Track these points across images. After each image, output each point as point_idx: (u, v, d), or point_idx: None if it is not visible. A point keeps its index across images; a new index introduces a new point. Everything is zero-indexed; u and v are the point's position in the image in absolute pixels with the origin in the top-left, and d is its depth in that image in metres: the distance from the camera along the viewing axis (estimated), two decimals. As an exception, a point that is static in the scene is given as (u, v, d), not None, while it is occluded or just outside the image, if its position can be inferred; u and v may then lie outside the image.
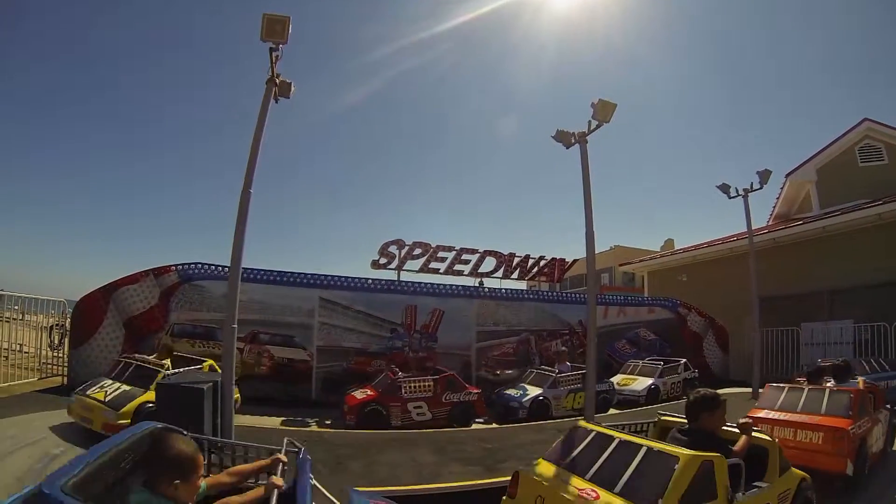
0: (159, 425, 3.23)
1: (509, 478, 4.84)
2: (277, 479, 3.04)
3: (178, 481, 2.40)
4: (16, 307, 13.58)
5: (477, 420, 12.20)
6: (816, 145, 28.41)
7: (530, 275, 19.09)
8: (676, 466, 3.83)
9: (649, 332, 19.33)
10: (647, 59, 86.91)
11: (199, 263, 14.16)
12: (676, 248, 31.12)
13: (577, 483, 4.24)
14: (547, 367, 14.52)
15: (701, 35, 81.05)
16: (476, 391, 12.49)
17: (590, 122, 9.89)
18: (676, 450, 4.04)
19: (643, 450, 4.21)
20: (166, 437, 2.59)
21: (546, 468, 4.68)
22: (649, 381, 15.10)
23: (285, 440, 3.79)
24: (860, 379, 8.67)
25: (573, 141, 10.30)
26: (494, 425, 11.95)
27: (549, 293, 20.13)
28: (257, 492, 2.91)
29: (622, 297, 20.81)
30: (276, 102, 8.67)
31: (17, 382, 11.88)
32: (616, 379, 15.57)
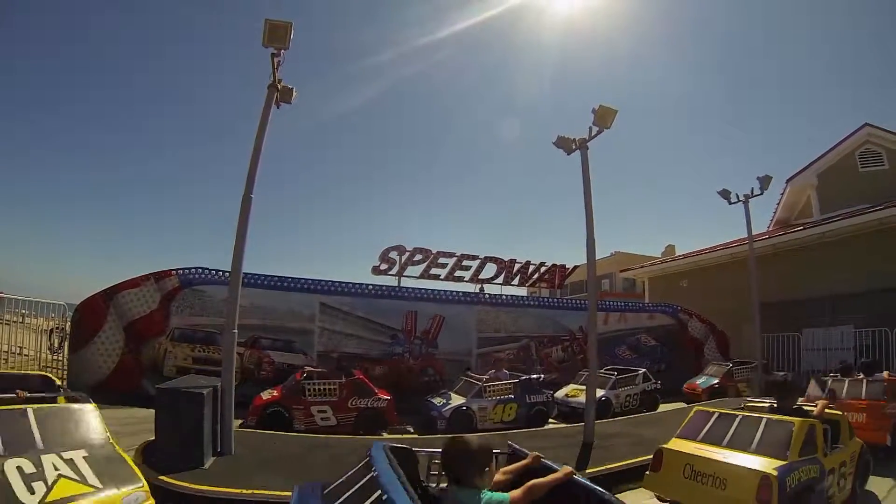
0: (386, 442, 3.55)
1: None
2: (567, 468, 3.25)
3: (486, 469, 2.71)
4: (24, 311, 13.55)
5: (396, 428, 11.13)
6: (817, 149, 28.41)
7: (531, 281, 19.11)
8: (793, 429, 5.45)
9: (650, 338, 19.31)
10: (649, 64, 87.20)
11: (200, 268, 14.17)
12: (677, 254, 31.09)
13: (717, 449, 5.60)
14: (474, 375, 12.94)
15: (701, 40, 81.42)
16: (387, 397, 11.49)
17: (590, 128, 9.93)
18: (790, 418, 5.67)
19: (763, 420, 5.74)
20: (457, 441, 2.81)
21: (683, 444, 5.92)
22: (599, 392, 12.96)
23: (509, 442, 4.13)
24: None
25: (574, 147, 10.33)
26: (415, 435, 10.79)
27: (550, 299, 20.12)
28: (556, 476, 3.08)
29: (623, 304, 20.82)
30: (278, 108, 8.70)
31: (17, 386, 11.84)
32: (566, 389, 14.37)
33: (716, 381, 16.03)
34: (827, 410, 6.29)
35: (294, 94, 8.64)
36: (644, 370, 15.12)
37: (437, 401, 12.06)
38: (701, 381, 16.30)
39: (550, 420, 12.69)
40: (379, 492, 2.73)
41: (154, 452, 6.94)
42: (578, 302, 19.45)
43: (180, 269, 14.05)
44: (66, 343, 13.44)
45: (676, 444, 5.92)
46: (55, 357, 13.76)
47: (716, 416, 6.17)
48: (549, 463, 3.48)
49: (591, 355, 9.84)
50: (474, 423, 11.41)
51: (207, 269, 14.21)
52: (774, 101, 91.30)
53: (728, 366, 16.64)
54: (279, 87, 8.41)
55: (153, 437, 7.27)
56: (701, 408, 6.65)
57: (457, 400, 11.83)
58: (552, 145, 10.57)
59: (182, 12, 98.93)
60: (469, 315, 16.88)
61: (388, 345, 15.60)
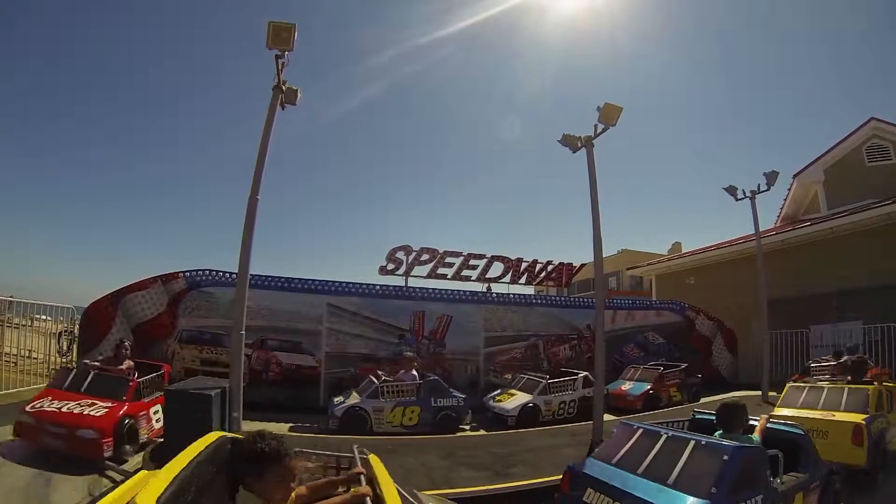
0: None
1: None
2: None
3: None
4: (38, 316, 13.63)
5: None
6: (823, 144, 28.24)
7: (538, 280, 19.07)
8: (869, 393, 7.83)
9: (657, 336, 19.23)
10: (653, 61, 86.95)
11: (207, 270, 14.22)
12: (684, 251, 31.00)
13: (817, 411, 7.89)
14: (383, 375, 12.20)
15: (705, 35, 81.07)
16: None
17: (596, 125, 9.90)
18: (864, 386, 7.95)
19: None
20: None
21: (786, 410, 8.11)
22: (526, 398, 12.76)
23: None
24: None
25: (579, 145, 10.31)
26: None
27: (557, 298, 20.07)
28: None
29: (630, 301, 20.74)
30: (283, 109, 8.73)
31: (25, 388, 11.94)
32: (495, 393, 13.79)
33: (648, 386, 14.54)
34: (886, 383, 8.16)
35: (299, 95, 8.66)
36: (585, 373, 13.60)
37: (337, 399, 11.80)
38: (630, 388, 14.79)
39: (464, 427, 11.95)
40: None
41: (162, 453, 6.98)
42: (586, 300, 19.41)
43: (187, 271, 14.11)
44: (75, 346, 13.54)
45: None
46: (64, 360, 13.86)
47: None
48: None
49: (598, 353, 9.81)
50: (369, 425, 10.98)
51: (214, 270, 14.26)
52: (780, 96, 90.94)
53: (659, 369, 15.23)
54: (284, 88, 8.44)
55: (161, 439, 7.32)
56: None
57: (353, 399, 11.48)
58: (557, 143, 10.57)
59: (189, 14, 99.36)
60: (476, 314, 16.86)
61: (395, 345, 15.61)
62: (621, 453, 5.02)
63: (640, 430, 5.23)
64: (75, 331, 13.66)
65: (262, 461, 2.44)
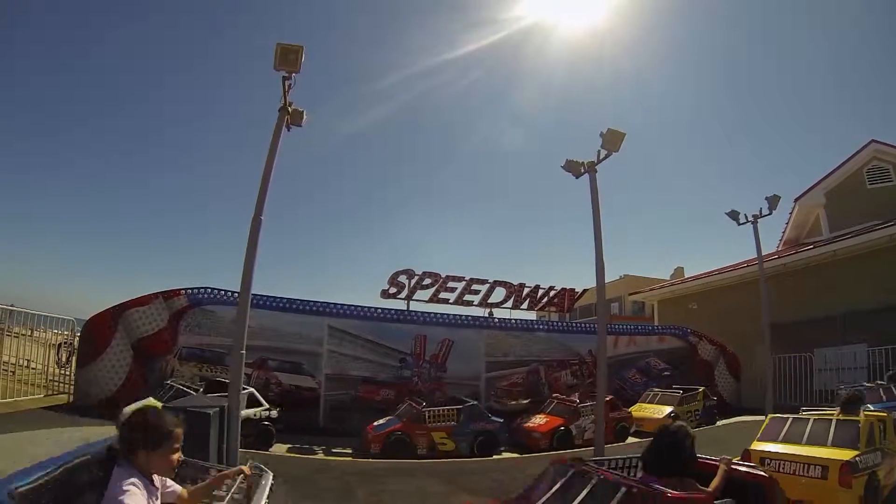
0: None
1: None
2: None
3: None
4: (42, 327, 13.61)
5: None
6: (826, 165, 28.39)
7: (540, 305, 19.01)
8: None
9: (660, 362, 19.09)
10: (655, 86, 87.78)
11: (209, 288, 14.24)
12: (686, 276, 30.92)
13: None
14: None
15: (707, 59, 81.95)
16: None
17: (599, 151, 9.98)
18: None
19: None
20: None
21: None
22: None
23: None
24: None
25: (582, 171, 10.38)
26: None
27: (559, 323, 19.99)
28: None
29: (632, 327, 20.65)
30: (289, 131, 8.80)
31: (23, 398, 11.91)
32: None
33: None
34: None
35: (304, 117, 8.74)
36: (474, 402, 13.04)
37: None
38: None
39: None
40: None
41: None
42: (588, 325, 19.32)
43: (189, 288, 14.14)
44: (74, 358, 13.51)
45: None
46: (62, 372, 13.82)
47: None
48: None
49: (600, 379, 9.76)
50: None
51: (216, 289, 14.28)
52: (782, 118, 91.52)
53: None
54: (290, 110, 8.52)
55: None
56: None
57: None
58: (560, 168, 10.63)
59: (197, 32, 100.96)
60: (478, 339, 16.81)
61: (396, 368, 15.54)
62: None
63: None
64: (75, 343, 13.64)
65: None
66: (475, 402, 12.64)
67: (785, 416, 7.67)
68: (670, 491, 3.61)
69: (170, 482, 2.60)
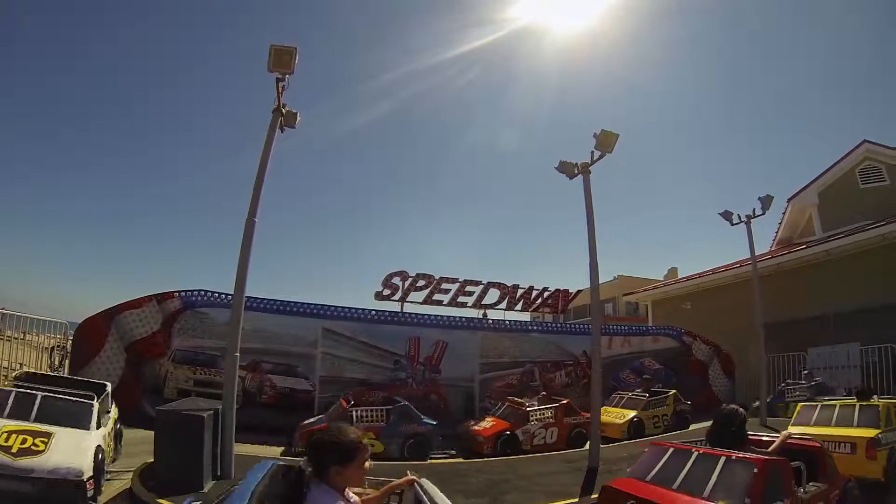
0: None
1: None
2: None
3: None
4: (33, 330, 13.51)
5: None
6: (818, 166, 28.56)
7: (534, 306, 19.04)
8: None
9: (654, 362, 19.13)
10: (648, 87, 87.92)
11: (203, 290, 14.19)
12: (680, 276, 31.02)
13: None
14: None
15: (699, 62, 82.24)
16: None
17: (592, 152, 10.00)
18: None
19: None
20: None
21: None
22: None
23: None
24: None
25: (576, 172, 10.40)
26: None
27: (553, 324, 20.02)
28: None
29: (626, 327, 20.69)
30: (283, 132, 8.80)
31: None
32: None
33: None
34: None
35: (298, 118, 8.74)
36: (405, 402, 12.40)
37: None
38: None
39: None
40: None
41: (152, 475, 6.88)
42: (582, 326, 19.34)
43: (183, 290, 14.09)
44: (67, 361, 13.43)
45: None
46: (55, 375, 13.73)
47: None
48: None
49: (594, 380, 9.77)
50: None
51: (210, 291, 14.23)
52: (775, 120, 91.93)
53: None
54: (284, 111, 8.51)
55: (152, 460, 7.22)
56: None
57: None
58: (554, 170, 10.65)
59: (192, 34, 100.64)
60: (472, 340, 16.81)
61: (391, 370, 15.52)
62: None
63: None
64: (67, 346, 13.56)
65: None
66: (406, 403, 12.19)
67: (814, 403, 9.53)
68: (750, 455, 4.97)
69: (352, 493, 2.71)
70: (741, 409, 5.69)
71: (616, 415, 14.27)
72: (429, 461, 10.97)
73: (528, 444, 12.30)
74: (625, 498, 5.15)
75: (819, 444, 6.01)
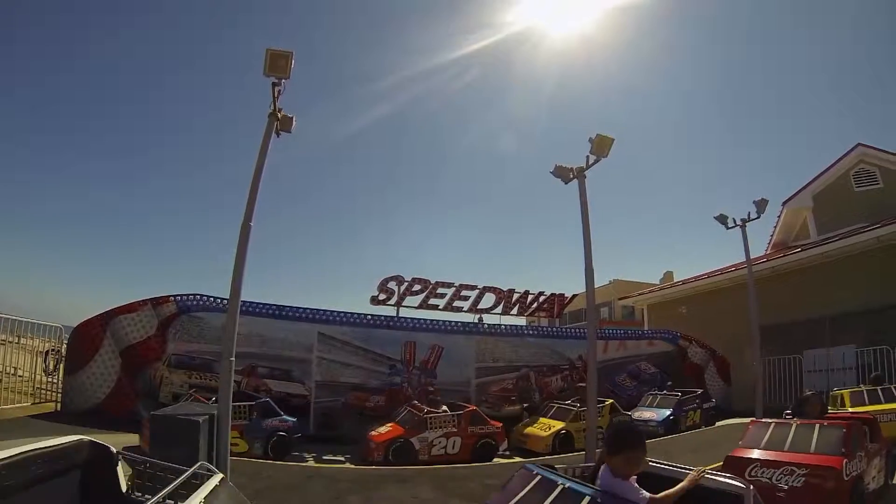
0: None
1: None
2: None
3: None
4: (34, 334, 13.46)
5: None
6: (812, 169, 28.64)
7: (530, 310, 19.05)
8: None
9: (650, 366, 19.17)
10: (645, 91, 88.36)
11: (198, 295, 14.16)
12: (676, 280, 31.08)
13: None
14: None
15: (695, 66, 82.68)
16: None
17: (588, 157, 9.99)
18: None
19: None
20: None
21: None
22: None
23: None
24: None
25: (571, 176, 10.38)
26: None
27: (549, 328, 20.08)
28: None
29: (622, 331, 20.73)
30: (278, 136, 8.78)
31: (9, 406, 11.77)
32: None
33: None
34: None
35: (294, 122, 8.72)
36: (267, 398, 12.17)
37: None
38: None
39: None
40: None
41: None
42: (577, 330, 19.41)
43: (178, 295, 14.05)
44: (62, 366, 13.37)
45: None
46: (50, 379, 13.66)
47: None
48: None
49: (590, 384, 9.75)
50: None
51: (205, 296, 14.21)
52: (769, 124, 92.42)
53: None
54: (279, 115, 8.49)
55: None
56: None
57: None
58: (550, 174, 10.65)
59: (189, 35, 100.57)
60: (468, 345, 16.81)
61: (386, 375, 15.50)
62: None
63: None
64: (62, 350, 13.50)
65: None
66: (268, 399, 11.80)
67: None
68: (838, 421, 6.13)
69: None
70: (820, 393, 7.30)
71: (544, 426, 13.20)
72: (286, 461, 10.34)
73: (425, 454, 11.31)
74: (747, 463, 6.29)
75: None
